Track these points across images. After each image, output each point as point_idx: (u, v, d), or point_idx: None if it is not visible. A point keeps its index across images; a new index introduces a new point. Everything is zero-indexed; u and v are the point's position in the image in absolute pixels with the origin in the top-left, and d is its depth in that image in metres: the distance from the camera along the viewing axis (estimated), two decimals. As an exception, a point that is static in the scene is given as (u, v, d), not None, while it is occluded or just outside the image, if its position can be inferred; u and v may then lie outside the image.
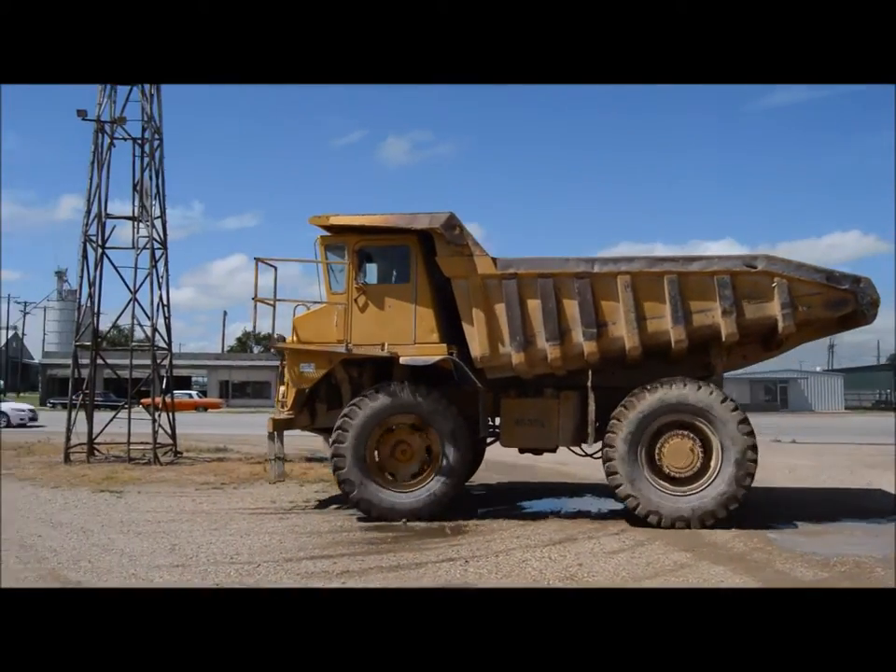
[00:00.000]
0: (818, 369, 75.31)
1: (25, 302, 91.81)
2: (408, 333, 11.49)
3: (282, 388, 12.46)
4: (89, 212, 19.58)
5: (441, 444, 11.34)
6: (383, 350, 11.42)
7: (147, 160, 20.36)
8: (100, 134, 19.85)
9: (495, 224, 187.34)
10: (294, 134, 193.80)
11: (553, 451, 12.23)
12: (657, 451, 10.94)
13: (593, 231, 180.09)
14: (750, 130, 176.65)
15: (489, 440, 12.62)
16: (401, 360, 11.38)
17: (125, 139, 20.36)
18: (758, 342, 11.71)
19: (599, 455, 11.52)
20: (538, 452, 12.47)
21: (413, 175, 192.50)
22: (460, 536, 10.34)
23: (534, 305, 11.18)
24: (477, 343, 11.23)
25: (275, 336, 12.00)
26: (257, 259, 11.77)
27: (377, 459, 11.56)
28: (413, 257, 11.61)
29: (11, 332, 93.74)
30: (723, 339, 11.01)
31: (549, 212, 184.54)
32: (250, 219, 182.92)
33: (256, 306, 11.71)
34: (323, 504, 12.93)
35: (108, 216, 19.91)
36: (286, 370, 12.06)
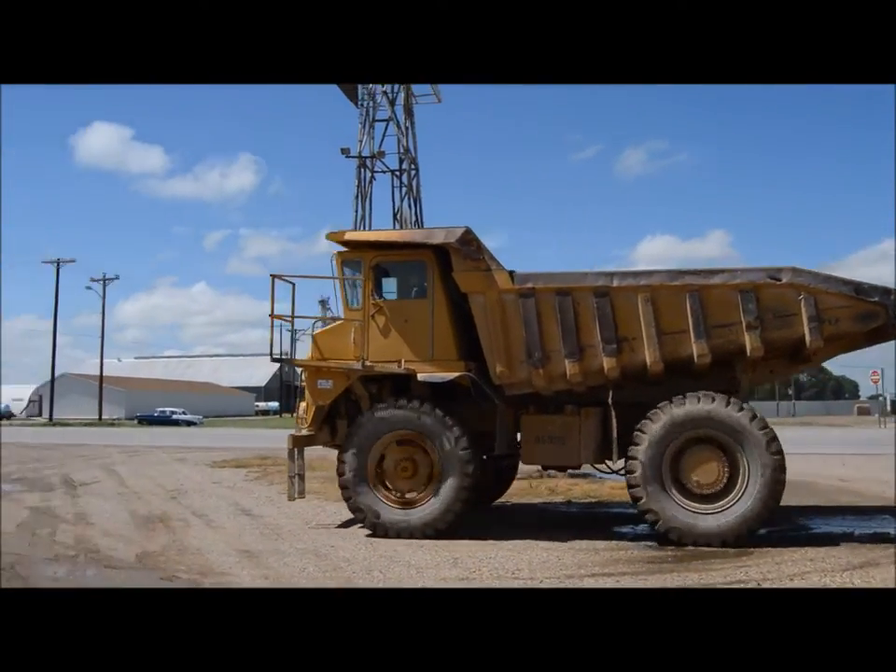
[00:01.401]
0: None
1: (294, 330, 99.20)
2: (425, 349, 11.41)
3: (302, 405, 12.46)
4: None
5: (441, 462, 11.17)
6: (400, 367, 11.35)
7: (404, 190, 21.31)
8: (362, 169, 21.02)
9: (742, 229, 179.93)
10: (534, 153, 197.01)
11: (576, 468, 12.04)
12: (681, 466, 10.67)
13: (853, 228, 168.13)
14: None
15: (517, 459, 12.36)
16: (419, 377, 11.30)
17: (384, 172, 21.44)
18: (785, 356, 11.32)
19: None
20: (560, 469, 12.21)
21: (651, 185, 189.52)
22: (745, 557, 9.85)
23: (552, 321, 11.01)
24: (495, 359, 11.12)
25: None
26: (273, 276, 11.79)
27: (382, 476, 11.50)
28: (429, 272, 11.51)
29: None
30: (748, 354, 10.70)
31: (799, 213, 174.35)
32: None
33: (273, 323, 11.85)
34: (583, 521, 12.82)
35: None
36: (304, 386, 12.10)
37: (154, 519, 13.03)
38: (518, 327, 11.08)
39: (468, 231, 11.25)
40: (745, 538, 10.34)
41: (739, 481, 10.48)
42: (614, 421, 11.09)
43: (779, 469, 10.38)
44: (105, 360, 76.62)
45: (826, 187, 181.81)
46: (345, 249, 11.98)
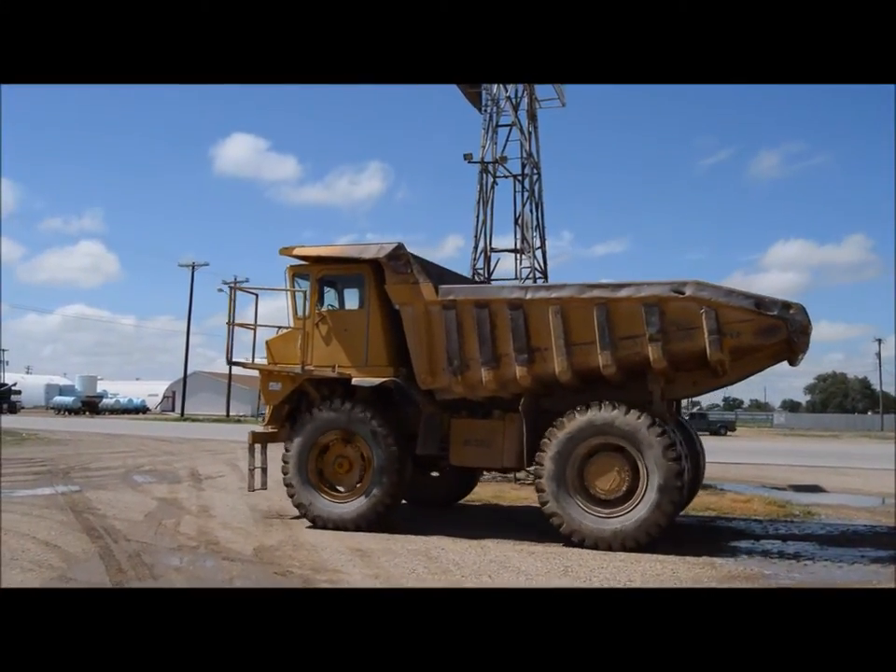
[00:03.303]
0: None
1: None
2: (360, 356, 12.37)
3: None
4: (476, 247, 20.85)
5: (371, 459, 12.13)
6: (334, 371, 12.31)
7: (526, 194, 21.24)
8: (484, 175, 21.09)
9: (886, 234, 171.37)
10: (660, 158, 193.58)
11: (499, 470, 13.05)
12: (586, 472, 11.16)
13: None
14: None
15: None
16: (353, 381, 12.26)
17: (506, 177, 21.46)
18: (706, 368, 11.28)
19: None
20: (486, 470, 13.08)
21: (786, 188, 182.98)
22: (877, 581, 9.30)
23: (471, 331, 11.65)
24: (420, 365, 11.89)
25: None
26: (233, 287, 12.97)
27: (321, 471, 12.52)
28: (366, 285, 12.44)
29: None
30: (652, 365, 10.93)
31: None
32: (617, 245, 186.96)
33: (231, 331, 12.83)
34: (702, 534, 12.56)
35: (493, 249, 21.05)
36: (260, 388, 13.26)
37: (272, 514, 13.43)
38: (441, 336, 11.84)
39: (398, 247, 12.10)
40: (643, 542, 10.74)
41: (639, 487, 10.91)
42: (524, 428, 11.69)
43: (676, 475, 10.72)
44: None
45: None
46: (298, 263, 12.99)
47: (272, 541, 11.20)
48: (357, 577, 9.03)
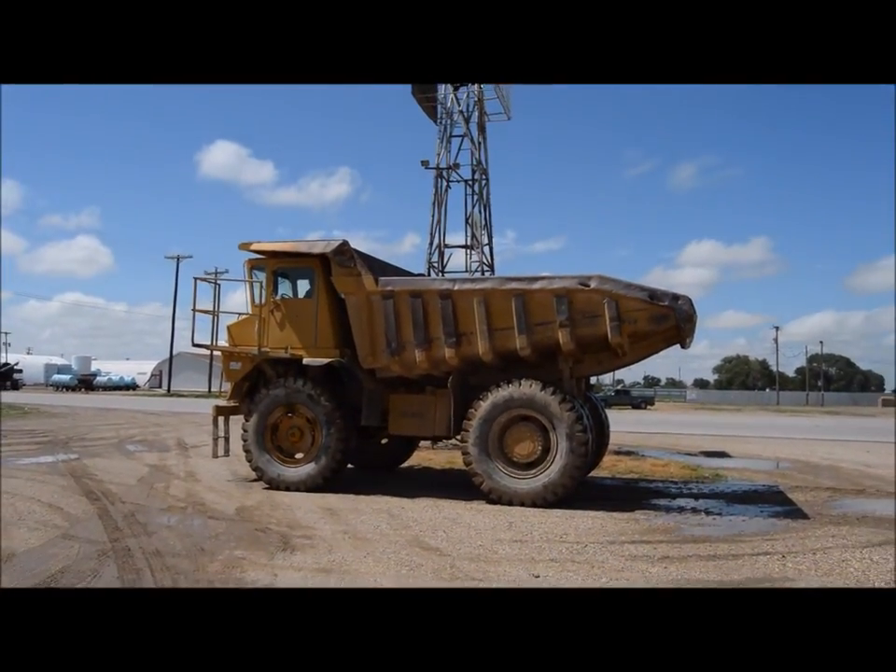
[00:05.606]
0: None
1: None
2: (310, 339, 12.48)
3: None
4: (431, 243, 20.96)
5: (321, 430, 12.29)
6: (286, 352, 12.45)
7: (476, 197, 21.41)
8: (439, 179, 21.20)
9: (784, 236, 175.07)
10: (593, 167, 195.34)
11: (430, 439, 13.43)
12: (506, 439, 11.42)
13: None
14: None
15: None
16: (304, 361, 12.39)
17: (458, 181, 21.61)
18: (605, 350, 11.58)
19: None
20: (419, 438, 13.61)
21: (701, 196, 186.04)
22: (773, 532, 9.66)
23: (406, 318, 11.81)
24: (362, 348, 12.05)
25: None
26: (195, 279, 12.91)
27: (276, 440, 12.65)
28: (316, 277, 12.51)
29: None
30: (562, 348, 11.19)
31: (853, 224, 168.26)
32: (554, 243, 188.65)
33: (195, 316, 12.73)
34: (626, 494, 12.78)
35: (446, 245, 21.19)
36: (222, 367, 13.41)
37: (251, 479, 13.35)
38: (380, 322, 11.96)
39: (343, 243, 12.12)
40: (551, 500, 11.01)
41: (550, 454, 11.17)
42: (452, 401, 11.91)
43: (581, 445, 11.02)
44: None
45: (872, 195, 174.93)
46: (254, 256, 12.99)
47: (251, 502, 11.18)
48: (327, 532, 9.04)
